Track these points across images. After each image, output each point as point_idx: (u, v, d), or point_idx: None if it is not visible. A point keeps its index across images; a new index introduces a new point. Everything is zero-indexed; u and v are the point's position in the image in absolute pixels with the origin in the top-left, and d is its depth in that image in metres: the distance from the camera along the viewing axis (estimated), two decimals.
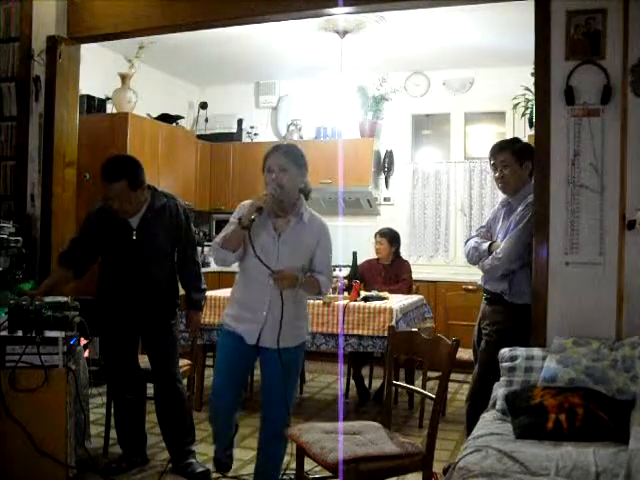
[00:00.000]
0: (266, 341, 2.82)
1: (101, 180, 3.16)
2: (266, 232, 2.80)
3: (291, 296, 2.80)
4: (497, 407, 2.79)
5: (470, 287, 5.48)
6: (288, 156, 2.77)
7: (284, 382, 2.79)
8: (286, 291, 2.76)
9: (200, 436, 3.75)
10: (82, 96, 5.07)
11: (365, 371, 5.10)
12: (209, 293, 4.47)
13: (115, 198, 3.16)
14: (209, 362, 4.88)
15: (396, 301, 4.44)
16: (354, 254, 5.06)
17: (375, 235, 5.31)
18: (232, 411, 2.98)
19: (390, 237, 5.22)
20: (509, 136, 5.08)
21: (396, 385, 3.20)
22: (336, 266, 6.15)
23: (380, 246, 5.22)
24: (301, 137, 6.93)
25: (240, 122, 7.13)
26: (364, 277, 5.09)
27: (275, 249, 2.79)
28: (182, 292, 3.51)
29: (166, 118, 6.21)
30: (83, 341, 3.16)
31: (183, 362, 3.78)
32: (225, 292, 4.65)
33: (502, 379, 2.90)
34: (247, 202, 2.80)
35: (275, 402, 2.84)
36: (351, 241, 5.91)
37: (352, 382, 5.20)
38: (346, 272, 5.01)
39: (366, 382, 5.07)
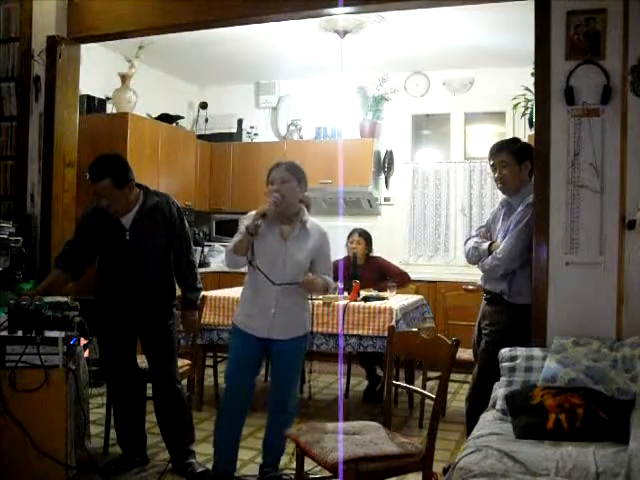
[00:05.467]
0: (275, 333, 3.12)
1: (89, 180, 3.18)
2: (273, 237, 3.14)
3: (294, 294, 3.13)
4: (497, 407, 2.79)
5: (470, 287, 5.46)
6: (288, 170, 3.12)
7: (291, 366, 3.20)
8: (288, 290, 3.11)
9: (200, 436, 3.74)
10: (82, 96, 5.07)
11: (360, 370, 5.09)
12: (210, 293, 4.48)
13: (102, 197, 3.18)
14: (209, 362, 4.89)
15: (396, 301, 4.44)
16: (354, 254, 5.05)
17: (352, 234, 5.25)
18: (247, 396, 3.19)
19: (367, 237, 5.23)
20: (509, 136, 5.09)
21: (396, 385, 3.20)
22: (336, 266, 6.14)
23: (358, 245, 5.18)
24: (301, 137, 6.93)
25: (240, 122, 7.13)
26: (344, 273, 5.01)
27: (282, 252, 3.12)
28: (179, 292, 3.51)
29: (166, 118, 6.21)
30: (83, 341, 3.16)
31: (183, 362, 3.78)
32: (225, 292, 4.65)
33: (502, 379, 2.90)
34: (252, 212, 3.13)
35: (284, 382, 3.22)
36: None
37: (352, 382, 5.21)
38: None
39: (365, 383, 5.06)
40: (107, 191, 3.15)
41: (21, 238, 3.79)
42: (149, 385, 3.47)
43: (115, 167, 3.20)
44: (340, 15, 4.53)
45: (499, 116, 6.48)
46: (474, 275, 3.98)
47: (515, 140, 3.45)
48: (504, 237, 3.25)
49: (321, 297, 4.39)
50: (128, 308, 3.31)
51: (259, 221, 3.00)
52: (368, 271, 5.13)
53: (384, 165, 6.66)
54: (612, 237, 3.03)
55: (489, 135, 6.56)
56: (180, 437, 3.40)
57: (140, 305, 3.31)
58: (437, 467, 2.87)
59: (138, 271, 3.28)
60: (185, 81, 7.14)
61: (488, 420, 2.71)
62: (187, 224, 3.46)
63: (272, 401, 3.26)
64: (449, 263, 6.58)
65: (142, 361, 3.48)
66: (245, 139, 7.09)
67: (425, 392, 2.97)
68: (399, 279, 5.00)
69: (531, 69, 3.31)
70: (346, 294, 4.55)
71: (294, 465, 2.78)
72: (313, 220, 3.26)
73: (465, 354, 4.02)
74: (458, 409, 4.56)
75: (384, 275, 5.12)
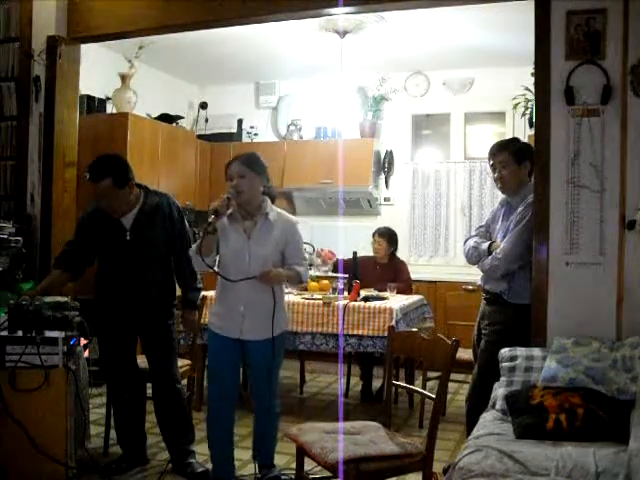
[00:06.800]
0: (247, 334, 3.06)
1: (89, 181, 3.18)
2: (236, 234, 3.06)
3: (263, 292, 3.03)
4: (497, 407, 2.79)
5: (470, 287, 5.47)
6: (246, 164, 3.03)
7: (266, 368, 3.09)
8: (261, 287, 3.01)
9: (200, 436, 3.73)
10: (82, 96, 5.07)
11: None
12: (210, 293, 4.46)
13: (103, 197, 3.18)
14: None
15: (396, 301, 4.44)
16: (354, 254, 5.05)
17: (374, 234, 5.30)
18: (232, 398, 3.17)
19: (388, 237, 5.23)
20: (509, 136, 5.09)
21: (396, 385, 3.20)
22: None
23: (379, 246, 5.22)
24: (301, 137, 6.93)
25: (240, 122, 7.13)
26: (360, 272, 5.06)
27: (246, 248, 3.04)
28: (179, 292, 3.51)
29: (166, 118, 6.20)
30: (83, 341, 3.16)
31: (183, 362, 3.78)
32: None
33: (502, 379, 2.90)
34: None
35: (261, 383, 3.14)
36: (351, 241, 5.92)
37: (352, 382, 5.21)
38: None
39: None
40: (107, 191, 3.15)
41: (21, 238, 3.78)
42: (149, 385, 3.47)
43: (116, 167, 3.20)
44: (340, 15, 4.53)
45: (499, 116, 6.48)
46: (474, 275, 3.98)
47: (515, 140, 3.45)
48: (504, 237, 3.25)
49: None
50: (128, 308, 3.31)
51: (211, 218, 2.89)
52: (388, 271, 5.17)
53: (384, 165, 6.66)
54: (612, 237, 3.03)
55: (489, 135, 6.56)
56: (180, 437, 3.40)
57: (140, 305, 3.31)
58: (437, 467, 2.87)
59: (138, 271, 3.28)
60: (185, 81, 7.14)
61: (488, 420, 2.71)
62: (187, 224, 3.46)
63: (254, 402, 3.22)
64: (449, 263, 6.58)
65: (142, 361, 3.48)
66: (245, 139, 7.09)
67: (425, 392, 2.97)
68: (400, 285, 5.00)
69: (531, 69, 3.30)
70: (346, 294, 4.55)
71: (294, 465, 2.78)
72: (280, 211, 3.17)
73: (465, 354, 4.01)
74: (458, 409, 4.56)
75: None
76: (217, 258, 3.07)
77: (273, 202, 3.16)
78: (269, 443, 3.24)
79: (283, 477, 3.23)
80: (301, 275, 3.12)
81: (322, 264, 4.98)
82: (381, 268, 5.22)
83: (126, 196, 3.22)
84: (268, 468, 3.24)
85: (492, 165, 3.33)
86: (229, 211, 2.99)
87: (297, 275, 3.10)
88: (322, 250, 5.00)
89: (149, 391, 3.48)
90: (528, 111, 5.56)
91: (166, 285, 3.39)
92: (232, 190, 2.97)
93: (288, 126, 6.98)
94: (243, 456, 3.51)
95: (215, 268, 3.06)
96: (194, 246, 3.03)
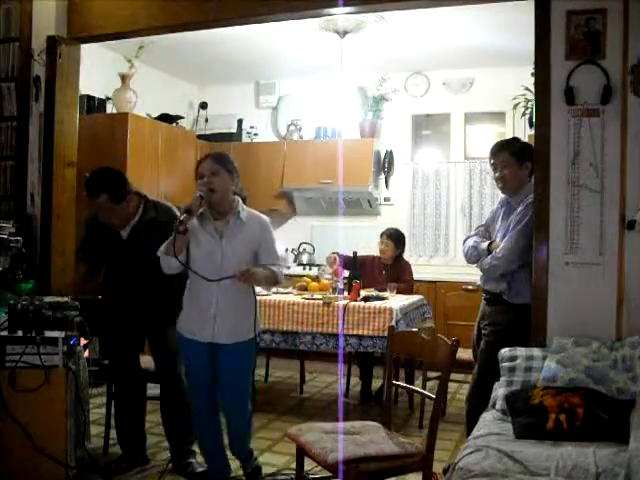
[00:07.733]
0: (219, 338, 2.97)
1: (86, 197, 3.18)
2: (208, 234, 2.98)
3: (234, 293, 2.95)
4: (497, 407, 2.79)
5: (470, 287, 5.48)
6: (218, 162, 2.98)
7: (238, 372, 3.03)
8: (233, 288, 2.91)
9: None
10: (82, 96, 5.07)
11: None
12: None
13: (101, 212, 3.19)
14: None
15: (396, 301, 4.44)
16: (354, 254, 5.05)
17: (381, 235, 5.28)
18: (212, 404, 3.09)
19: (396, 239, 5.22)
20: (509, 136, 5.07)
21: (396, 385, 3.20)
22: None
23: (386, 247, 5.21)
24: (301, 137, 6.93)
25: (240, 122, 7.13)
26: (363, 271, 5.09)
27: (218, 249, 2.96)
28: None
29: (166, 118, 6.20)
30: (83, 341, 3.16)
31: None
32: None
33: (502, 379, 2.90)
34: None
35: (232, 388, 3.05)
36: (351, 241, 5.91)
37: (352, 382, 5.21)
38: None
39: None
40: (105, 206, 3.16)
41: (21, 238, 3.78)
42: (149, 385, 3.47)
43: (111, 183, 3.19)
44: (340, 15, 4.53)
45: (499, 116, 6.48)
46: (474, 275, 3.98)
47: (515, 140, 3.45)
48: (503, 237, 3.25)
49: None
50: (133, 311, 3.33)
51: (183, 217, 2.82)
52: (394, 273, 5.18)
53: (384, 165, 6.66)
54: (612, 237, 3.03)
55: (489, 135, 6.56)
56: (183, 436, 3.40)
57: (143, 310, 3.32)
58: (437, 467, 2.87)
59: (138, 279, 3.29)
60: (185, 81, 7.13)
61: (488, 420, 2.71)
62: None
63: (223, 406, 3.10)
64: (449, 263, 6.58)
65: (145, 361, 3.49)
66: (245, 139, 7.09)
67: (425, 392, 2.97)
68: (401, 286, 5.00)
69: (531, 69, 3.30)
70: (346, 294, 4.55)
71: (294, 465, 2.78)
72: (251, 210, 3.09)
73: (465, 354, 4.01)
74: (458, 409, 4.56)
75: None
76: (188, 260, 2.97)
77: (244, 203, 3.10)
78: (245, 439, 3.15)
79: (283, 477, 3.23)
80: (277, 276, 3.02)
81: (330, 275, 4.98)
82: (386, 269, 5.22)
83: (124, 210, 3.22)
84: (247, 460, 3.17)
85: (493, 165, 3.33)
86: (200, 210, 2.93)
87: (273, 275, 3.00)
88: (336, 261, 4.97)
89: (150, 391, 3.48)
90: (528, 111, 5.56)
91: (167, 291, 3.36)
92: (204, 188, 2.90)
93: (288, 126, 6.98)
94: None
95: (183, 267, 2.96)
96: (162, 247, 2.92)
